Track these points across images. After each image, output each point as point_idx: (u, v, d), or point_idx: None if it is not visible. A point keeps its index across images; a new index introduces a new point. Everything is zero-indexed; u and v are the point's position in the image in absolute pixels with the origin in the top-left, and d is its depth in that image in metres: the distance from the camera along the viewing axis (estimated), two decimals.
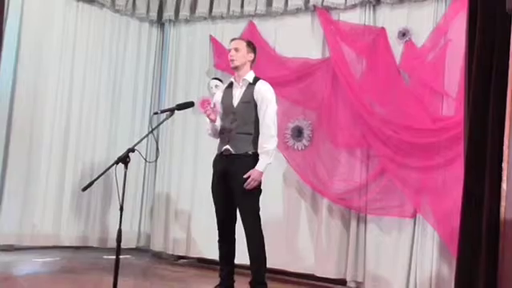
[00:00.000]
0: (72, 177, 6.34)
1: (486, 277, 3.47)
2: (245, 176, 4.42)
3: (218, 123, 4.70)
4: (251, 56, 4.68)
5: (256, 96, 4.55)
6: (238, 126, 4.56)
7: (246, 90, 4.60)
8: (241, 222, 4.55)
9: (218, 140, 4.72)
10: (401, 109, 5.28)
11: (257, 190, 4.52)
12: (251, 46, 4.72)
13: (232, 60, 4.63)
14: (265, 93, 4.56)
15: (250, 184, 4.42)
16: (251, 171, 4.43)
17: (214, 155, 6.18)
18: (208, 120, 4.67)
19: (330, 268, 5.55)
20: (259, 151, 4.49)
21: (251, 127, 4.54)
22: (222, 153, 4.63)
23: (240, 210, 4.56)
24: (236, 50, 4.64)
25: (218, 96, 4.83)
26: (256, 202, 4.54)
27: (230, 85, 4.74)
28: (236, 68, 4.65)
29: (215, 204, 4.69)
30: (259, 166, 4.45)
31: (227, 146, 4.58)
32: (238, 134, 4.55)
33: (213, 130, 4.76)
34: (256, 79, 4.64)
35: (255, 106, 4.55)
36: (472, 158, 3.64)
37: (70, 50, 6.42)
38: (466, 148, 3.70)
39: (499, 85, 3.56)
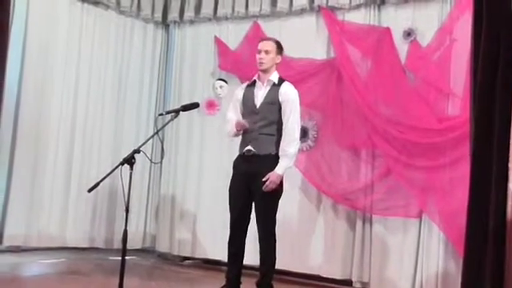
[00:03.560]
0: (78, 178, 6.35)
1: (492, 277, 3.46)
2: (264, 179, 4.40)
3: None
4: (279, 58, 4.64)
5: (281, 98, 4.51)
6: (261, 127, 4.52)
7: (270, 91, 4.56)
8: (255, 223, 4.54)
9: (240, 141, 4.68)
10: (406, 109, 5.28)
11: (278, 193, 4.49)
12: (280, 47, 4.67)
13: (261, 63, 4.57)
14: (290, 95, 4.53)
15: (268, 186, 4.40)
16: (270, 174, 4.40)
17: (220, 155, 6.27)
18: (234, 129, 4.62)
19: (335, 268, 5.54)
20: (280, 154, 4.46)
21: (274, 128, 4.51)
22: (243, 153, 4.60)
23: (257, 211, 4.53)
24: (266, 52, 4.58)
25: (238, 94, 4.76)
26: (275, 205, 4.52)
27: (253, 83, 4.68)
28: (263, 71, 4.61)
29: (232, 204, 4.63)
30: (278, 169, 4.42)
31: (249, 147, 4.55)
32: (261, 135, 4.52)
33: (234, 135, 4.72)
34: (281, 80, 4.60)
35: (279, 107, 4.51)
36: (478, 157, 3.62)
37: (76, 52, 6.42)
38: (472, 148, 3.68)
39: (505, 84, 3.54)
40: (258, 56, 4.60)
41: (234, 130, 4.64)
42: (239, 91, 4.77)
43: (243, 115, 4.66)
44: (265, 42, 4.71)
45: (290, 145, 4.46)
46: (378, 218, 5.42)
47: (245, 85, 4.78)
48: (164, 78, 7.10)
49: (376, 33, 5.53)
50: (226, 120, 4.79)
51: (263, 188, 4.39)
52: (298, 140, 4.56)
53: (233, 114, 4.72)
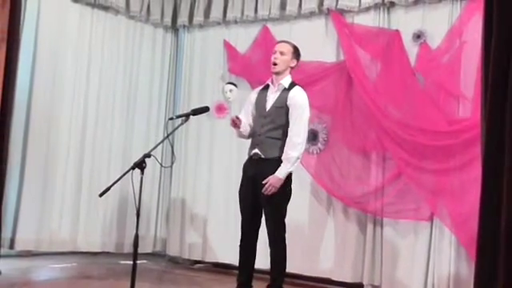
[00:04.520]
0: (89, 183, 6.37)
1: (505, 279, 3.44)
2: (263, 182, 4.40)
3: (244, 128, 4.68)
4: (294, 62, 4.63)
5: (289, 102, 4.49)
6: (269, 130, 4.52)
7: (280, 95, 4.55)
8: (265, 227, 4.54)
9: (249, 144, 4.70)
10: (416, 111, 5.25)
11: (285, 197, 4.49)
12: (297, 52, 4.65)
13: (275, 64, 4.57)
14: (298, 100, 4.51)
15: (267, 190, 4.39)
16: (270, 177, 4.39)
17: (229, 159, 6.28)
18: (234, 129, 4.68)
19: (346, 272, 5.52)
20: (283, 157, 4.44)
21: (281, 132, 4.50)
22: (251, 157, 4.61)
23: (266, 215, 4.53)
24: (281, 53, 4.58)
25: (252, 98, 4.77)
26: (283, 209, 4.51)
27: (266, 87, 4.69)
28: (276, 73, 4.60)
29: (242, 207, 4.65)
30: (279, 173, 4.40)
31: (256, 150, 4.56)
32: (268, 139, 4.52)
33: (239, 135, 4.77)
34: (292, 85, 4.58)
35: (287, 111, 4.50)
36: (490, 159, 3.60)
37: (86, 56, 6.45)
38: (484, 150, 3.67)
39: None
40: (272, 56, 4.61)
41: (234, 128, 4.67)
42: (253, 95, 4.79)
43: (254, 118, 4.67)
44: (282, 43, 4.71)
45: (293, 149, 4.43)
46: (389, 221, 5.39)
47: (259, 89, 4.79)
48: (174, 82, 7.12)
49: (385, 35, 5.51)
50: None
51: (262, 191, 4.39)
52: (303, 144, 4.51)
53: (243, 117, 4.73)
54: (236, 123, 4.60)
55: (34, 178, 6.02)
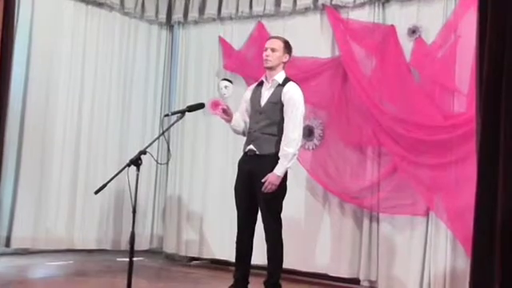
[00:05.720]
0: (84, 180, 6.36)
1: (501, 275, 3.45)
2: (263, 180, 4.40)
3: (237, 121, 4.70)
4: (286, 57, 4.63)
5: (283, 98, 4.50)
6: (264, 127, 4.53)
7: (274, 91, 4.56)
8: (261, 222, 4.54)
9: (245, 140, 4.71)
10: (412, 106, 5.26)
11: (280, 193, 4.49)
12: (288, 46, 4.66)
13: (267, 60, 4.58)
14: (292, 95, 4.50)
15: (267, 188, 4.40)
16: (269, 175, 4.40)
17: (226, 156, 6.28)
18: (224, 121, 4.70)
19: (343, 267, 5.54)
20: (280, 154, 4.44)
21: (276, 128, 4.50)
22: (246, 153, 4.61)
23: (262, 211, 4.54)
24: (273, 50, 4.58)
25: (247, 95, 4.78)
26: (278, 204, 4.52)
27: (261, 83, 4.69)
28: (269, 68, 4.61)
29: (237, 204, 4.66)
30: (277, 170, 4.41)
31: (251, 146, 4.56)
32: (263, 135, 4.52)
33: (232, 130, 4.79)
34: (286, 80, 4.59)
35: (282, 107, 4.50)
36: (485, 154, 3.61)
37: (80, 53, 6.44)
38: (479, 145, 3.67)
39: (511, 81, 3.53)
40: (264, 53, 4.61)
41: (223, 119, 4.70)
42: (248, 92, 4.80)
43: (250, 115, 4.67)
44: (272, 40, 4.71)
45: (289, 145, 4.43)
46: (385, 216, 5.41)
47: (253, 86, 4.80)
48: (169, 78, 7.11)
49: (380, 31, 5.51)
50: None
51: (262, 189, 4.39)
52: (299, 141, 4.50)
53: (238, 113, 4.74)
54: (225, 111, 4.62)
55: (30, 175, 6.00)
